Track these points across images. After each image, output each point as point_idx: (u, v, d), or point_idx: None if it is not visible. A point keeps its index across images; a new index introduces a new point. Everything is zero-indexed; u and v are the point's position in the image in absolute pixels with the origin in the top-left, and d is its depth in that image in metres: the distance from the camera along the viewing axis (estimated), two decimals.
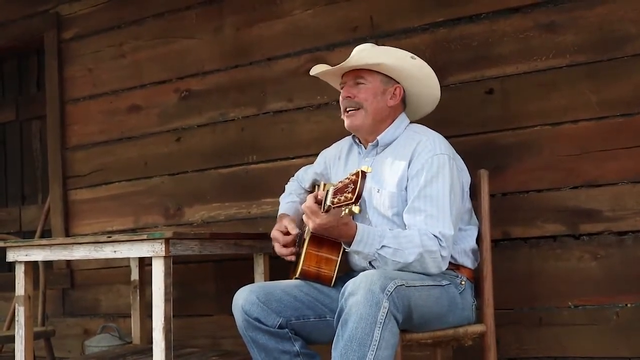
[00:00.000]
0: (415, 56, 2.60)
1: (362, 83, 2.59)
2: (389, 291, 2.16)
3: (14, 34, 4.42)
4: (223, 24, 3.63)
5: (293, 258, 2.62)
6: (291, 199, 2.89)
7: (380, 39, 3.15)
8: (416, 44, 3.08)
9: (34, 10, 4.28)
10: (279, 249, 2.65)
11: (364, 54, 2.58)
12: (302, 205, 2.38)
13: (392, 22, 3.17)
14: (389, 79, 2.61)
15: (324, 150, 2.93)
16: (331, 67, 2.66)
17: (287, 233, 2.64)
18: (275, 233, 2.67)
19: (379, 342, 2.13)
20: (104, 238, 2.90)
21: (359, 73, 2.59)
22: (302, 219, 2.55)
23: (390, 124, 2.62)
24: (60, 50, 4.17)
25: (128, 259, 3.60)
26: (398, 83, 2.62)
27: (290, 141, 3.43)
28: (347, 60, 2.61)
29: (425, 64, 2.63)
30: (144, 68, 3.88)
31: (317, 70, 2.72)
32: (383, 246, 2.33)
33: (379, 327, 2.13)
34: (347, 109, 2.62)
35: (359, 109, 2.59)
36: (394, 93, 2.61)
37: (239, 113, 3.59)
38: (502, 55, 2.92)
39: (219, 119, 3.64)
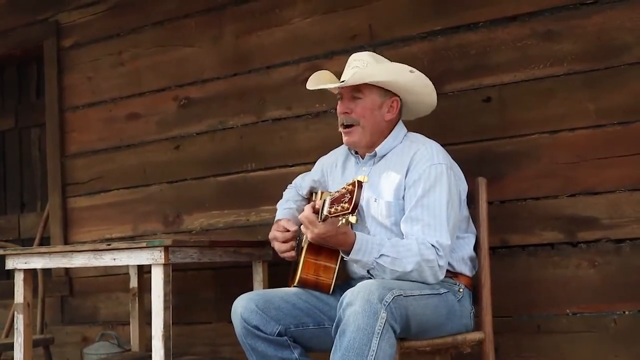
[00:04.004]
0: (414, 69, 2.60)
1: (359, 98, 2.58)
2: (386, 301, 2.17)
3: (13, 42, 4.43)
4: (222, 32, 3.65)
5: (294, 254, 2.63)
6: (288, 206, 2.90)
7: (378, 48, 3.16)
8: (414, 53, 3.09)
9: (33, 19, 4.30)
10: (278, 246, 2.65)
11: (365, 71, 2.55)
12: (300, 215, 2.39)
13: (391, 30, 3.18)
14: (386, 92, 2.60)
15: (321, 158, 2.94)
16: (328, 85, 2.64)
17: (286, 231, 2.65)
18: (273, 233, 2.69)
19: (376, 352, 2.13)
20: (103, 246, 2.91)
21: (356, 87, 2.58)
22: (300, 228, 2.56)
23: (387, 136, 2.63)
24: (59, 58, 4.18)
25: (127, 266, 3.61)
26: (395, 95, 2.63)
27: (289, 149, 3.44)
28: (344, 74, 2.62)
29: (424, 76, 2.63)
30: (143, 76, 3.89)
31: (313, 85, 2.71)
32: (382, 255, 2.34)
33: (377, 338, 2.14)
34: (344, 125, 2.61)
35: (356, 125, 2.59)
36: (391, 106, 2.61)
37: (238, 121, 3.59)
38: (500, 64, 2.93)
39: (218, 126, 3.65)
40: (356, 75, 2.53)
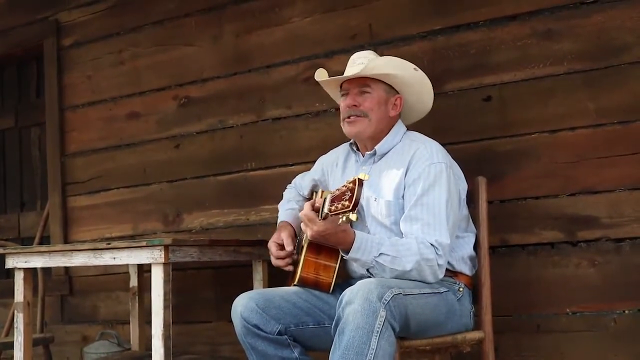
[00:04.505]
0: (417, 68, 2.62)
1: (368, 92, 2.58)
2: (386, 300, 2.16)
3: (13, 41, 4.43)
4: (222, 31, 3.65)
5: (290, 268, 2.62)
6: (290, 206, 2.89)
7: (379, 47, 3.16)
8: (414, 52, 3.09)
9: (33, 18, 4.30)
10: (273, 260, 2.65)
11: (375, 63, 2.56)
12: (300, 213, 2.39)
13: (391, 29, 3.18)
14: (391, 89, 2.62)
15: (321, 157, 2.94)
16: (343, 75, 2.63)
17: (283, 247, 2.64)
18: (270, 244, 2.68)
19: (375, 350, 2.13)
20: (103, 245, 2.90)
21: (365, 81, 2.58)
22: (301, 226, 2.55)
23: (388, 133, 2.63)
24: (59, 58, 4.18)
25: (127, 265, 3.61)
26: (398, 93, 2.63)
27: (289, 148, 3.44)
28: (349, 67, 2.62)
29: (425, 75, 2.64)
30: (143, 75, 3.89)
31: (323, 76, 2.71)
32: (381, 254, 2.34)
33: (376, 336, 2.13)
34: (350, 116, 2.61)
35: (362, 117, 2.58)
36: (394, 103, 2.62)
37: (237, 120, 3.59)
38: (500, 63, 2.93)
39: (217, 126, 3.65)
40: (369, 65, 2.54)
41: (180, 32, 3.77)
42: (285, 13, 3.47)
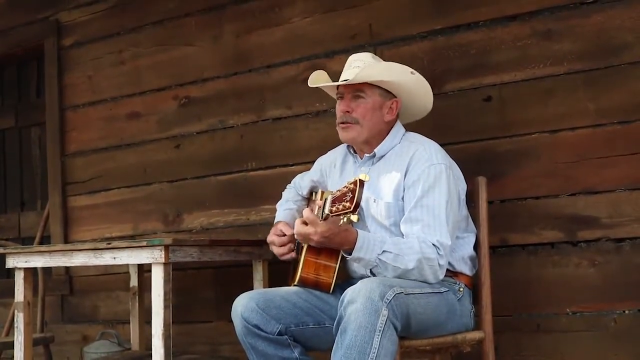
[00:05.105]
0: (415, 71, 2.60)
1: (362, 97, 2.57)
2: (387, 299, 2.17)
3: (14, 41, 4.43)
4: (222, 31, 3.65)
5: (293, 254, 2.62)
6: (288, 206, 2.90)
7: (378, 47, 3.16)
8: (414, 52, 3.09)
9: (33, 18, 4.30)
10: (277, 250, 2.66)
11: (368, 70, 2.54)
12: (296, 225, 2.36)
13: (391, 29, 3.18)
14: (387, 93, 2.60)
15: (320, 158, 2.94)
16: (335, 82, 2.63)
17: (283, 235, 2.66)
18: (271, 237, 2.69)
19: (378, 349, 2.13)
20: (103, 245, 2.91)
21: (359, 86, 2.57)
22: None
23: (386, 136, 2.62)
24: (59, 57, 4.18)
25: (127, 265, 3.61)
26: (395, 97, 2.62)
27: (289, 148, 3.44)
28: (344, 74, 2.61)
29: (423, 78, 2.63)
30: (144, 75, 3.89)
31: (317, 82, 2.71)
32: (384, 251, 2.33)
33: (378, 335, 2.14)
34: (342, 122, 2.60)
35: (354, 123, 2.58)
36: (390, 107, 2.61)
37: (238, 120, 3.60)
38: (500, 63, 2.94)
39: (218, 126, 3.65)
40: (361, 73, 2.52)
41: (180, 32, 3.78)
42: (285, 13, 3.47)
